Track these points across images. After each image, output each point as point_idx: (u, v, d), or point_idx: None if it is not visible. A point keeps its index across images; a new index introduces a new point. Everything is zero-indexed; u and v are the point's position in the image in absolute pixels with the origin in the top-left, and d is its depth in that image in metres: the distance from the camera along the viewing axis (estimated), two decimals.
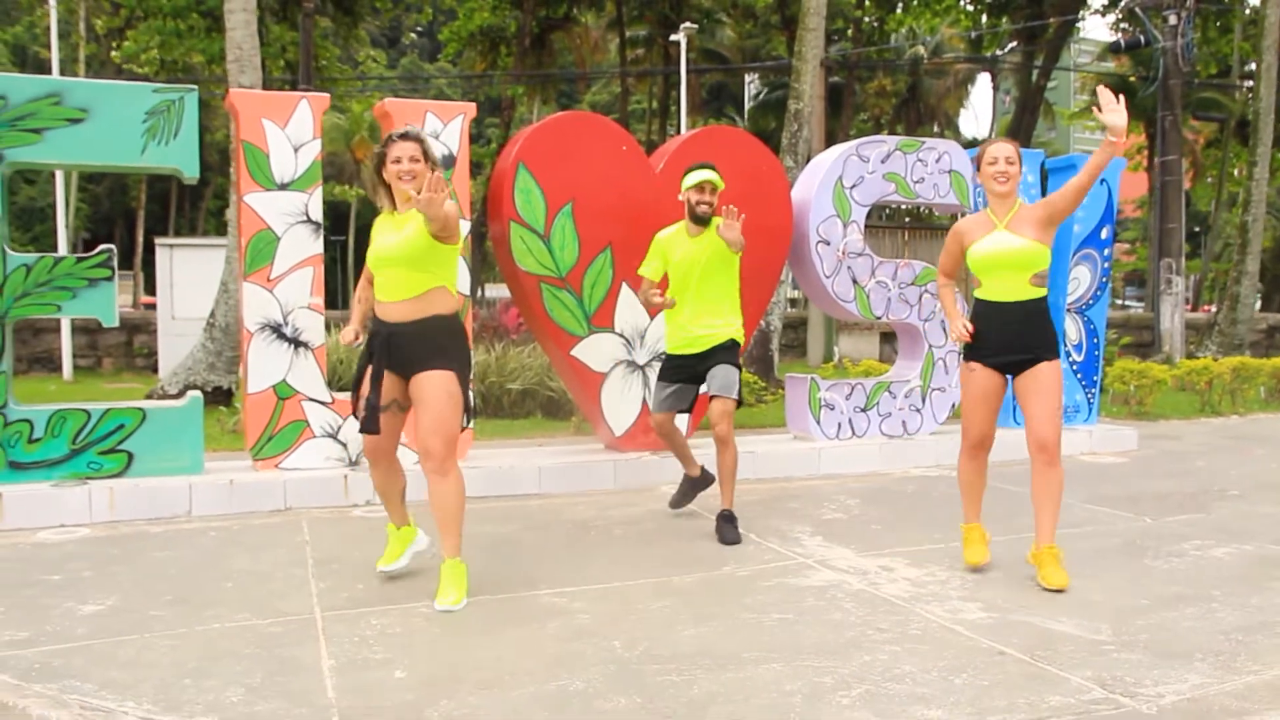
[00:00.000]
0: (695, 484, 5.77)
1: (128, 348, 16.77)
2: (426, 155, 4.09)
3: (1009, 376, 4.46)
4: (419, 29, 55.80)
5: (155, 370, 15.82)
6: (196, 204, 47.87)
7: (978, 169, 4.51)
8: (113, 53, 30.87)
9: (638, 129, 41.59)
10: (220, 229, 46.52)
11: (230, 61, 10.53)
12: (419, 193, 3.87)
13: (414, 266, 4.01)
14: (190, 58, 26.96)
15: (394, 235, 4.05)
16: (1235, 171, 32.34)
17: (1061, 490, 4.35)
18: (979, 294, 4.50)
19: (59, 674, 3.33)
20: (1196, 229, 48.62)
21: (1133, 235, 62.74)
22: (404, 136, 4.08)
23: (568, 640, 3.66)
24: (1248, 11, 24.11)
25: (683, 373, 5.46)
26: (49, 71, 52.56)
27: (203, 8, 24.13)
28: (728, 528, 5.21)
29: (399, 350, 4.08)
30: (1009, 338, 4.38)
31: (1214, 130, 35.51)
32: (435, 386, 4.01)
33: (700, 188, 5.31)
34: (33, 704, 3.09)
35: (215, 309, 11.03)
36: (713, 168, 5.40)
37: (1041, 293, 4.38)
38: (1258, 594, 4.17)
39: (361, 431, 4.16)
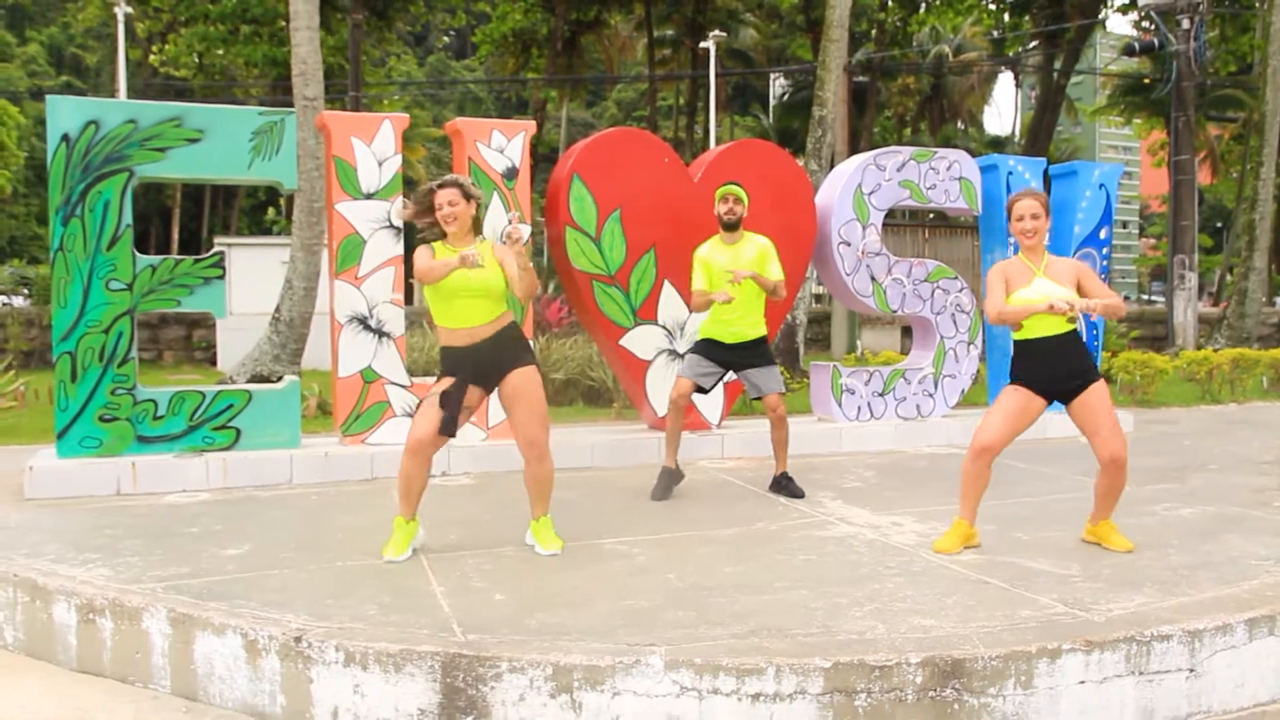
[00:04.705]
0: (673, 477, 6.27)
1: (187, 341, 17.74)
2: (467, 195, 4.74)
3: (1058, 405, 4.82)
4: (451, 31, 56.71)
5: (213, 363, 16.74)
6: (230, 203, 49.13)
7: (1008, 218, 4.84)
8: (151, 56, 31.93)
9: (664, 125, 42.36)
10: (253, 227, 47.71)
11: (296, 75, 11.39)
12: (459, 229, 4.68)
13: (494, 298, 4.73)
14: (233, 62, 27.96)
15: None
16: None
17: (1124, 487, 4.85)
18: (1018, 335, 4.79)
19: (225, 596, 4.13)
20: (1219, 224, 48.91)
21: (1159, 230, 62.90)
22: (443, 185, 4.74)
23: (631, 575, 4.47)
24: (1268, 7, 24.59)
25: (716, 355, 6.27)
26: (85, 71, 53.19)
27: (248, 15, 25.07)
28: (792, 485, 6.19)
29: (485, 365, 4.73)
30: (1057, 368, 4.70)
31: (1238, 125, 35.91)
32: (529, 381, 4.74)
33: (724, 198, 6.26)
34: (214, 615, 3.91)
35: (280, 304, 11.88)
36: (739, 184, 6.32)
37: (1075, 326, 4.74)
38: (1209, 543, 4.94)
39: (442, 433, 4.68)
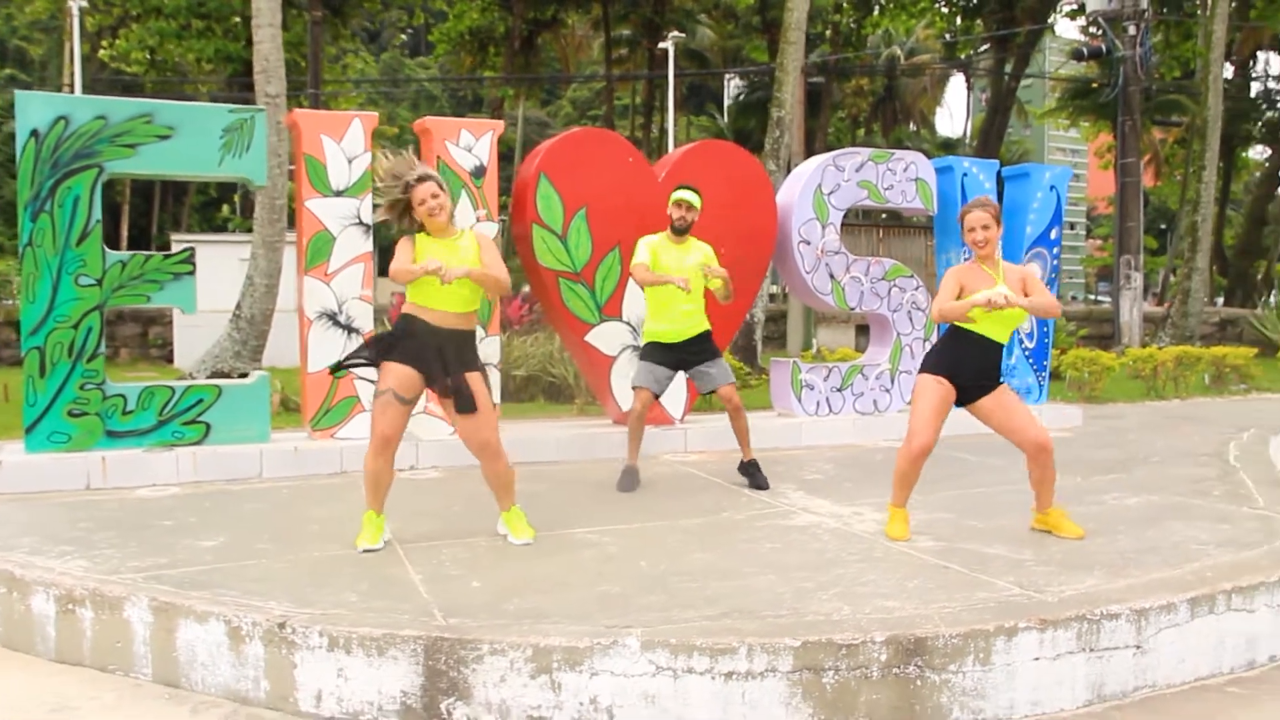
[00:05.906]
0: (636, 474, 6.44)
1: (143, 339, 17.58)
2: (441, 186, 4.81)
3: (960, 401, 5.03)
4: (407, 29, 56.44)
5: (170, 360, 16.60)
6: (180, 199, 48.51)
7: (960, 227, 4.99)
8: (101, 51, 31.50)
9: (621, 125, 42.44)
10: (204, 224, 47.15)
11: (258, 73, 11.38)
12: (445, 219, 4.78)
13: (472, 286, 4.80)
14: (185, 57, 27.68)
15: (452, 256, 4.76)
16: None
17: (1054, 472, 5.08)
18: (968, 328, 4.87)
19: (206, 585, 4.20)
20: (1164, 226, 49.94)
21: (1105, 231, 64.01)
22: (421, 180, 4.75)
23: (603, 563, 4.60)
24: (1209, 15, 25.21)
25: (669, 357, 6.44)
26: (30, 64, 52.10)
27: (201, 10, 24.86)
28: (759, 473, 6.37)
29: (445, 353, 4.78)
30: (980, 364, 4.92)
31: (1181, 130, 36.70)
32: (479, 387, 4.84)
33: (679, 204, 6.43)
34: (196, 603, 3.98)
35: (241, 301, 11.87)
36: (694, 190, 6.47)
37: (1006, 341, 4.96)
38: (1153, 529, 5.18)
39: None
